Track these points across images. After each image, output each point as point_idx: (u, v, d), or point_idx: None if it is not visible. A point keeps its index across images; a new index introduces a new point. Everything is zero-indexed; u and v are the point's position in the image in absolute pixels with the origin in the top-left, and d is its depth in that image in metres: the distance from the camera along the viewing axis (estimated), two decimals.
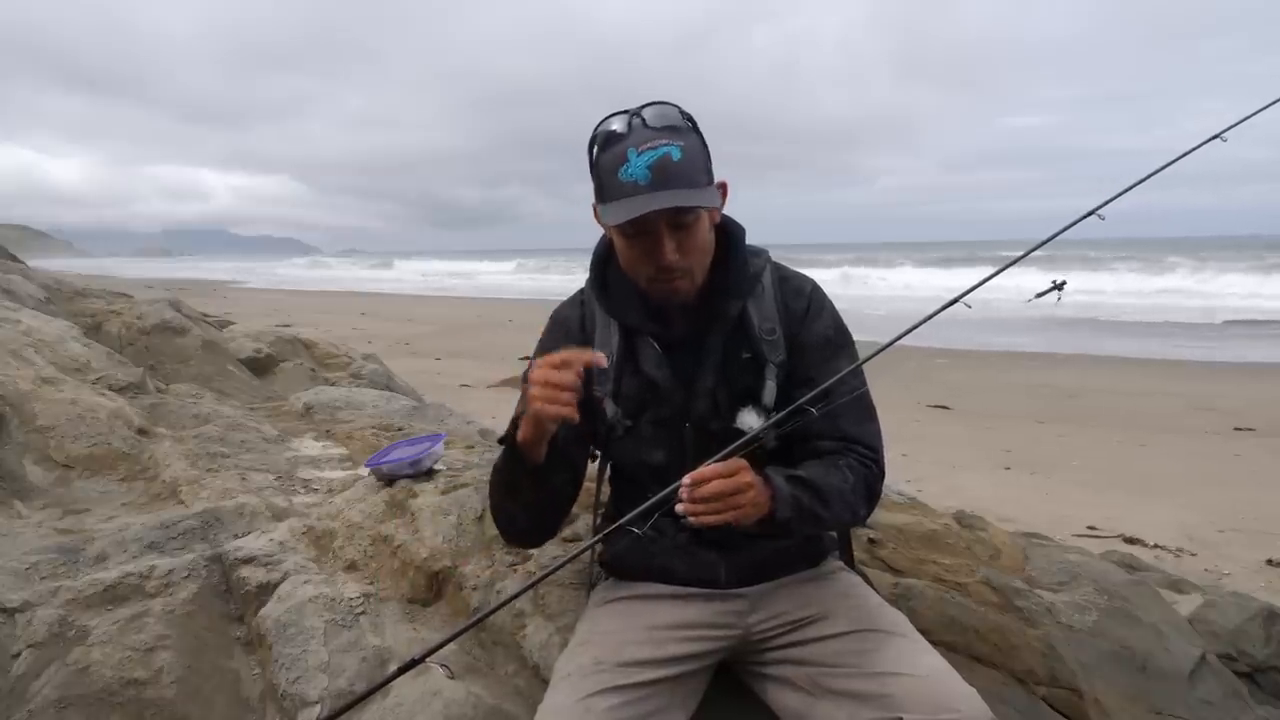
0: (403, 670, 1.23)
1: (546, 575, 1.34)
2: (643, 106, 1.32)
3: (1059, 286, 1.41)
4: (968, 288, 1.40)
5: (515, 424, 1.35)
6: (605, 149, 1.32)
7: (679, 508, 1.21)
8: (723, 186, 1.39)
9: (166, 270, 61.20)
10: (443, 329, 15.83)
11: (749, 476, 1.25)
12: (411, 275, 47.39)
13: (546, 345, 1.51)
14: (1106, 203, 1.48)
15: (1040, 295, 1.42)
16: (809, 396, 1.32)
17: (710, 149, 1.37)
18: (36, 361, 3.42)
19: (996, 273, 1.45)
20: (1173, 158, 1.57)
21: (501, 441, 1.40)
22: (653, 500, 1.25)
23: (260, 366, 4.93)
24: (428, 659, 1.22)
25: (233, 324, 6.37)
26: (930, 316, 1.42)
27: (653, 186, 1.26)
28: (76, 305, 5.03)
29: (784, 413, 1.33)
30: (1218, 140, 1.59)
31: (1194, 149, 1.58)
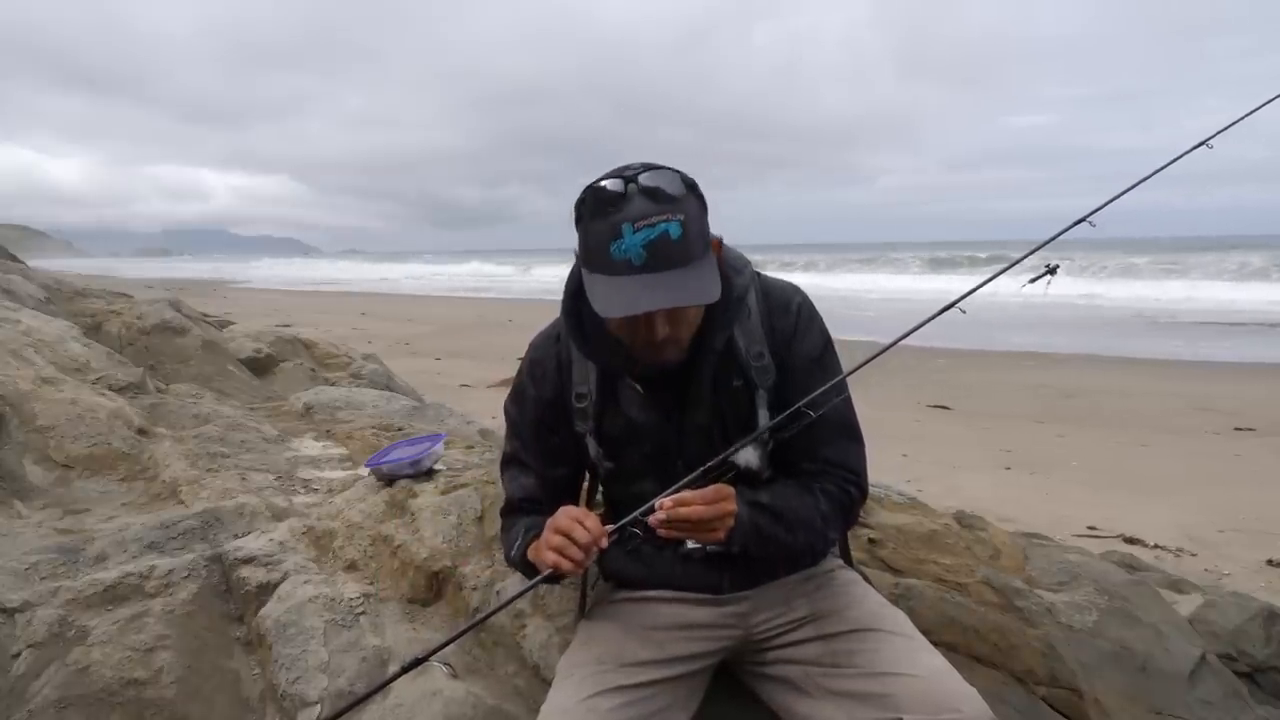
0: (405, 670, 1.23)
1: (526, 590, 1.33)
2: (640, 171, 1.21)
3: (1051, 271, 1.41)
4: (962, 293, 1.39)
5: (530, 542, 1.38)
6: (598, 215, 1.20)
7: (652, 519, 1.22)
8: (717, 242, 1.31)
9: (166, 270, 61.19)
10: (442, 329, 15.83)
11: (733, 506, 1.25)
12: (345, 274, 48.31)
13: (523, 388, 1.47)
14: (1097, 210, 1.49)
15: (1033, 281, 1.42)
16: (800, 404, 1.31)
17: (707, 202, 1.26)
18: (36, 361, 3.42)
19: (989, 279, 1.44)
20: (1162, 164, 1.58)
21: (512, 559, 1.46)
22: (630, 517, 1.26)
23: (260, 366, 4.94)
24: (431, 658, 1.22)
25: (233, 324, 6.38)
26: (924, 323, 1.42)
27: (647, 268, 1.17)
28: (76, 305, 5.03)
29: (780, 418, 1.32)
30: (1204, 147, 1.59)
31: (1181, 155, 1.59)
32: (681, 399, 1.36)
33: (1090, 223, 1.47)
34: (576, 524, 1.25)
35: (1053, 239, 1.51)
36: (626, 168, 1.23)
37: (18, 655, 1.75)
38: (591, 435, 1.42)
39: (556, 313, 1.49)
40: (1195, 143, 1.60)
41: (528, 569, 1.40)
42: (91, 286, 6.16)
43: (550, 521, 1.29)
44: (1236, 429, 6.78)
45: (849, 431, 1.41)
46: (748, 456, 1.35)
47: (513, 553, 1.45)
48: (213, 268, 68.33)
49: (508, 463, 1.53)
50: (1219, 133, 1.60)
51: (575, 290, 1.36)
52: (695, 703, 1.40)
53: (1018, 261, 1.52)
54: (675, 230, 1.18)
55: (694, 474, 1.28)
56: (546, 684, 1.52)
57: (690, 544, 1.39)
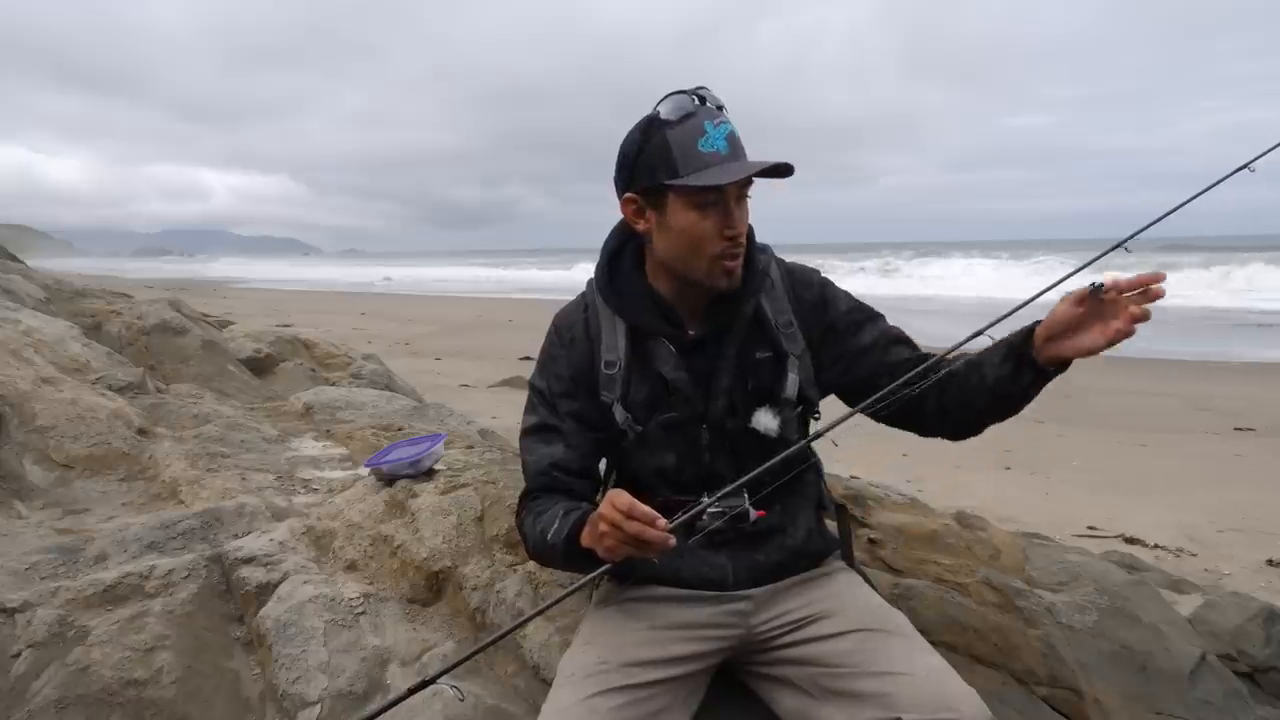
0: (414, 690, 1.18)
1: (567, 595, 1.29)
2: (697, 88, 1.35)
3: (1096, 288, 1.39)
4: (989, 322, 1.34)
5: (579, 524, 1.32)
6: (676, 125, 1.32)
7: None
8: None
9: (166, 270, 61.17)
10: (443, 329, 15.83)
11: None
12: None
13: (552, 354, 1.50)
14: (1133, 235, 1.44)
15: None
16: (912, 373, 1.34)
17: None
18: (36, 361, 3.42)
19: (1013, 312, 1.37)
20: (1201, 189, 1.50)
21: (561, 543, 1.36)
22: (681, 518, 1.23)
23: (260, 366, 4.93)
24: (439, 679, 1.19)
25: (233, 324, 6.37)
26: (949, 352, 1.39)
27: (731, 157, 1.31)
28: (76, 305, 5.02)
29: (891, 389, 1.33)
30: (1246, 170, 1.55)
31: (1221, 180, 1.51)
32: (711, 362, 1.43)
33: (1125, 248, 1.45)
34: (630, 516, 1.19)
35: (1086, 266, 1.45)
36: (672, 92, 1.36)
37: (18, 655, 1.75)
38: (619, 402, 1.44)
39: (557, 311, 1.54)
40: (1237, 166, 1.55)
41: (576, 555, 1.33)
42: (91, 286, 6.16)
43: (620, 506, 1.19)
44: (1236, 429, 6.79)
45: (911, 341, 1.49)
46: (767, 422, 1.42)
47: (550, 536, 1.36)
48: (213, 267, 68.25)
49: (531, 433, 1.49)
50: (1260, 156, 1.55)
51: (613, 253, 1.49)
52: (696, 703, 1.40)
53: (1043, 293, 1.45)
54: (735, 129, 1.34)
55: (741, 480, 1.29)
56: (546, 684, 1.52)
57: (710, 511, 1.36)
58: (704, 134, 1.30)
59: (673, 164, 1.31)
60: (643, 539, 1.17)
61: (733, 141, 1.32)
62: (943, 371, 1.35)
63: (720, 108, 1.34)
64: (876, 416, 1.43)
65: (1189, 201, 1.52)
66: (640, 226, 1.41)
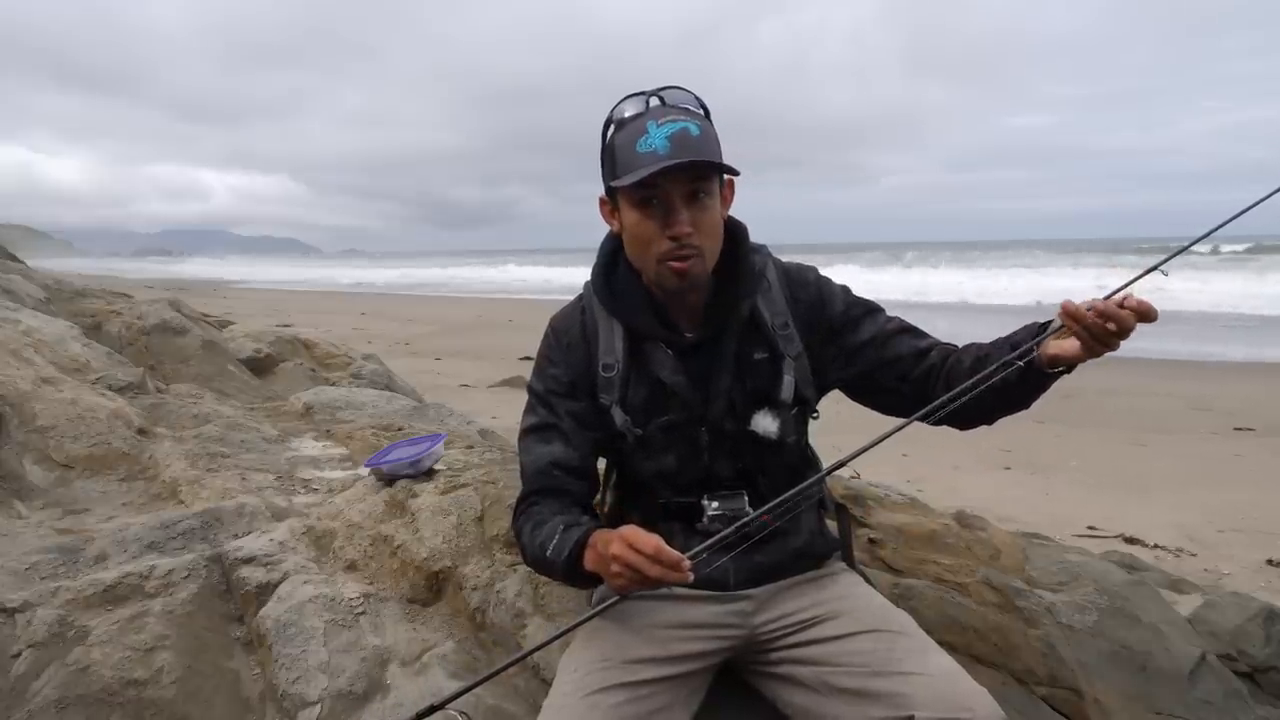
0: (421, 715, 1.17)
1: (585, 620, 1.28)
2: (661, 88, 1.33)
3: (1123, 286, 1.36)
4: (1017, 353, 1.31)
5: (580, 545, 1.30)
6: (622, 127, 1.32)
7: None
8: (729, 184, 1.41)
9: (166, 270, 61.15)
10: (443, 329, 15.82)
11: None
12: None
13: (549, 356, 1.49)
14: (1169, 259, 1.40)
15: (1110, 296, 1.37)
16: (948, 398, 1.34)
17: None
18: (36, 361, 3.42)
19: (1047, 331, 1.32)
20: (1244, 207, 1.49)
21: (562, 563, 1.33)
22: (700, 549, 1.20)
23: (260, 366, 4.93)
24: (447, 706, 1.17)
25: (233, 324, 6.37)
26: (989, 372, 1.33)
27: (670, 157, 1.26)
28: (76, 305, 5.02)
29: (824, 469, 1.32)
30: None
31: (1268, 197, 1.47)
32: (709, 364, 1.42)
33: (1162, 271, 1.44)
34: (656, 561, 1.14)
35: (1130, 283, 1.38)
36: (634, 93, 1.34)
37: (18, 655, 1.75)
38: (617, 405, 1.43)
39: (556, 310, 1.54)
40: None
41: (577, 576, 1.33)
42: (91, 286, 6.15)
43: (645, 550, 1.15)
44: (1236, 429, 6.78)
45: (915, 330, 1.49)
46: (766, 425, 1.41)
47: (549, 554, 1.34)
48: (212, 267, 68.23)
49: (529, 433, 1.48)
50: None
51: (609, 256, 1.47)
52: (697, 702, 1.40)
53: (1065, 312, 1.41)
54: (695, 129, 1.29)
55: (766, 508, 1.27)
56: (546, 684, 1.52)
57: (710, 513, 1.40)
58: (645, 134, 1.28)
59: (614, 165, 1.33)
60: (665, 582, 1.15)
61: (676, 141, 1.27)
62: (980, 388, 1.32)
63: (685, 108, 1.32)
64: (886, 411, 1.45)
65: (1236, 217, 1.49)
66: (614, 227, 1.43)
